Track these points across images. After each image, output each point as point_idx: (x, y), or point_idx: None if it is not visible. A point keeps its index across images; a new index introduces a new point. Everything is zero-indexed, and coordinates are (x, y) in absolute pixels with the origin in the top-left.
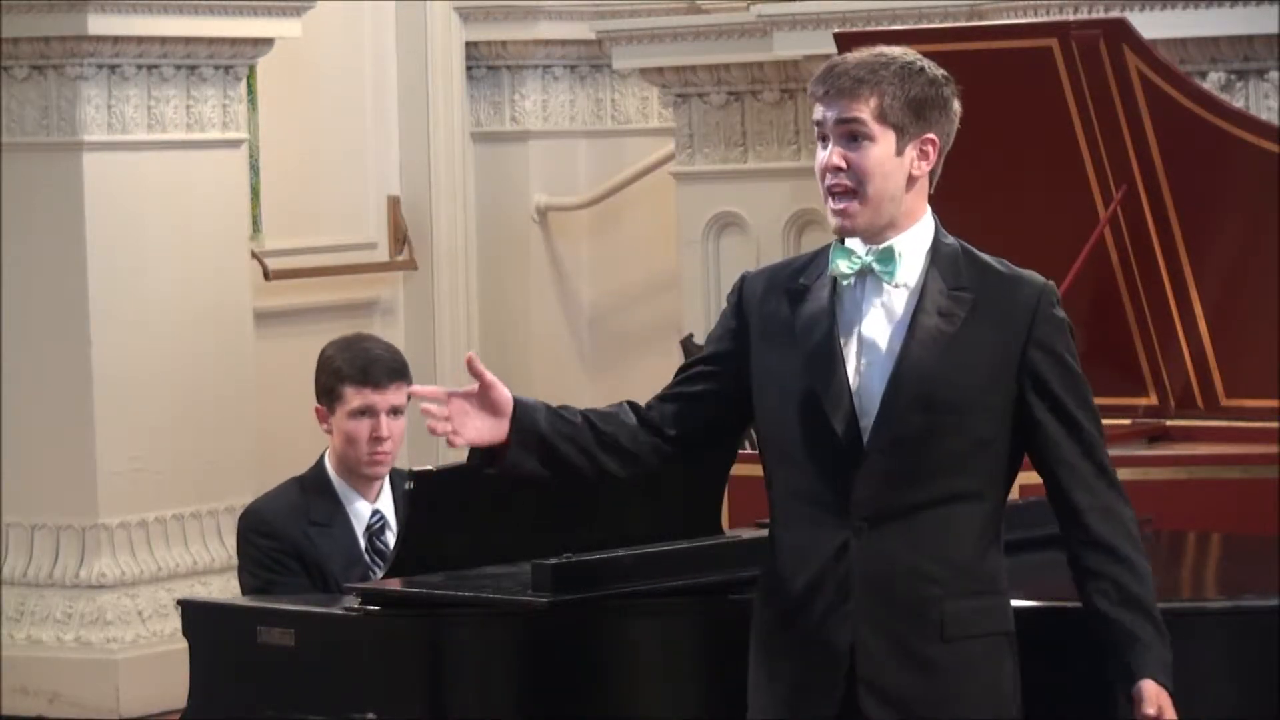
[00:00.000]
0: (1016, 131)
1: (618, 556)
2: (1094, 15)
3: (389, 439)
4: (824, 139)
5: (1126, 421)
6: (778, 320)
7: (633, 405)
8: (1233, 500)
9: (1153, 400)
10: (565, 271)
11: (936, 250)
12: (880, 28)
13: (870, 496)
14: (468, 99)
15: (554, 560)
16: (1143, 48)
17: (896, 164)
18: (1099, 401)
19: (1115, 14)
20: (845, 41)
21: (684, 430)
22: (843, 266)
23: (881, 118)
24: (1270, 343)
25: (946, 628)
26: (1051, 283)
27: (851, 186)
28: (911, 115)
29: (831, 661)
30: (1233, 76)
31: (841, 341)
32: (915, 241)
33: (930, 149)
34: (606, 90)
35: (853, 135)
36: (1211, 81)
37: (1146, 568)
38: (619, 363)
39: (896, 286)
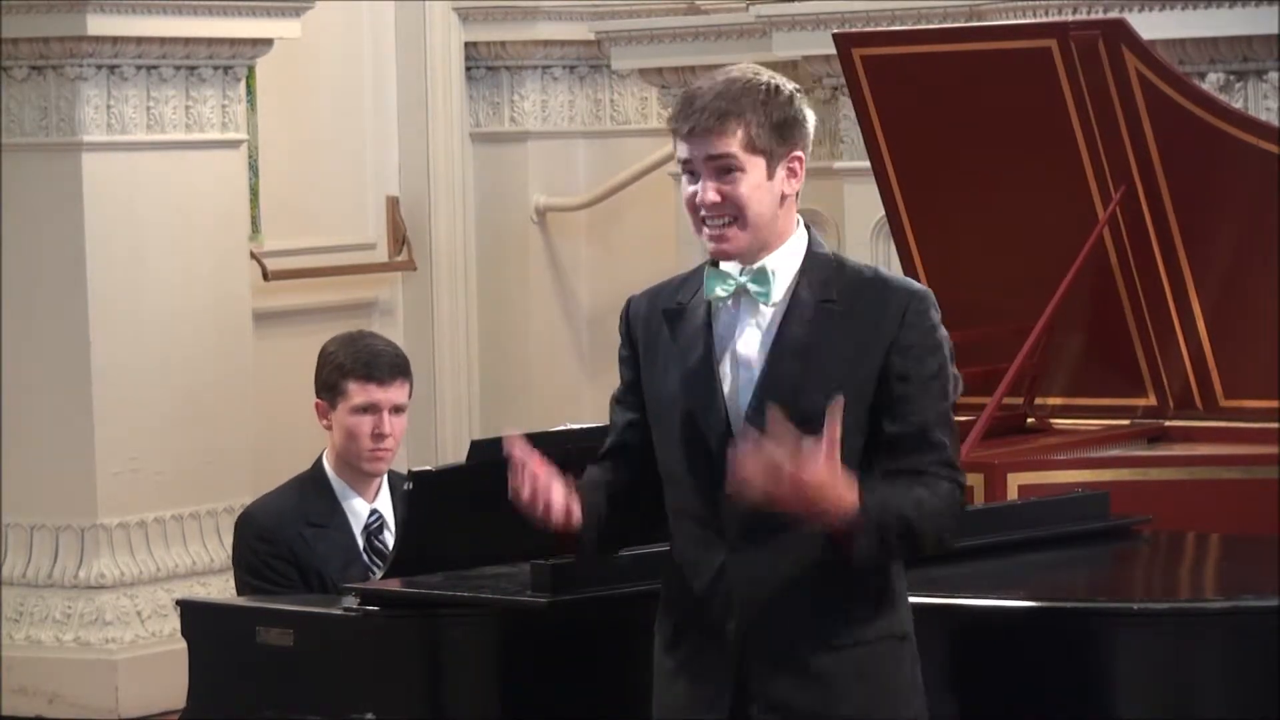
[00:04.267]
0: (1015, 132)
1: (618, 556)
2: (1093, 16)
3: (390, 435)
4: (692, 174)
5: (1126, 422)
6: (659, 341)
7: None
8: (1232, 500)
9: (1152, 401)
10: (564, 272)
11: (809, 263)
12: (880, 28)
13: (742, 514)
14: (467, 99)
15: (553, 560)
16: (1142, 48)
17: (769, 188)
18: (1099, 402)
19: (1114, 14)
20: (844, 41)
21: (649, 472)
22: (718, 290)
23: (750, 147)
24: (1270, 343)
25: (834, 637)
26: (927, 291)
27: (730, 216)
28: (778, 138)
29: (719, 677)
30: (1232, 77)
31: (718, 361)
32: (787, 258)
33: (798, 165)
34: (605, 91)
35: (725, 168)
36: (1210, 82)
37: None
38: (618, 363)
39: (771, 306)
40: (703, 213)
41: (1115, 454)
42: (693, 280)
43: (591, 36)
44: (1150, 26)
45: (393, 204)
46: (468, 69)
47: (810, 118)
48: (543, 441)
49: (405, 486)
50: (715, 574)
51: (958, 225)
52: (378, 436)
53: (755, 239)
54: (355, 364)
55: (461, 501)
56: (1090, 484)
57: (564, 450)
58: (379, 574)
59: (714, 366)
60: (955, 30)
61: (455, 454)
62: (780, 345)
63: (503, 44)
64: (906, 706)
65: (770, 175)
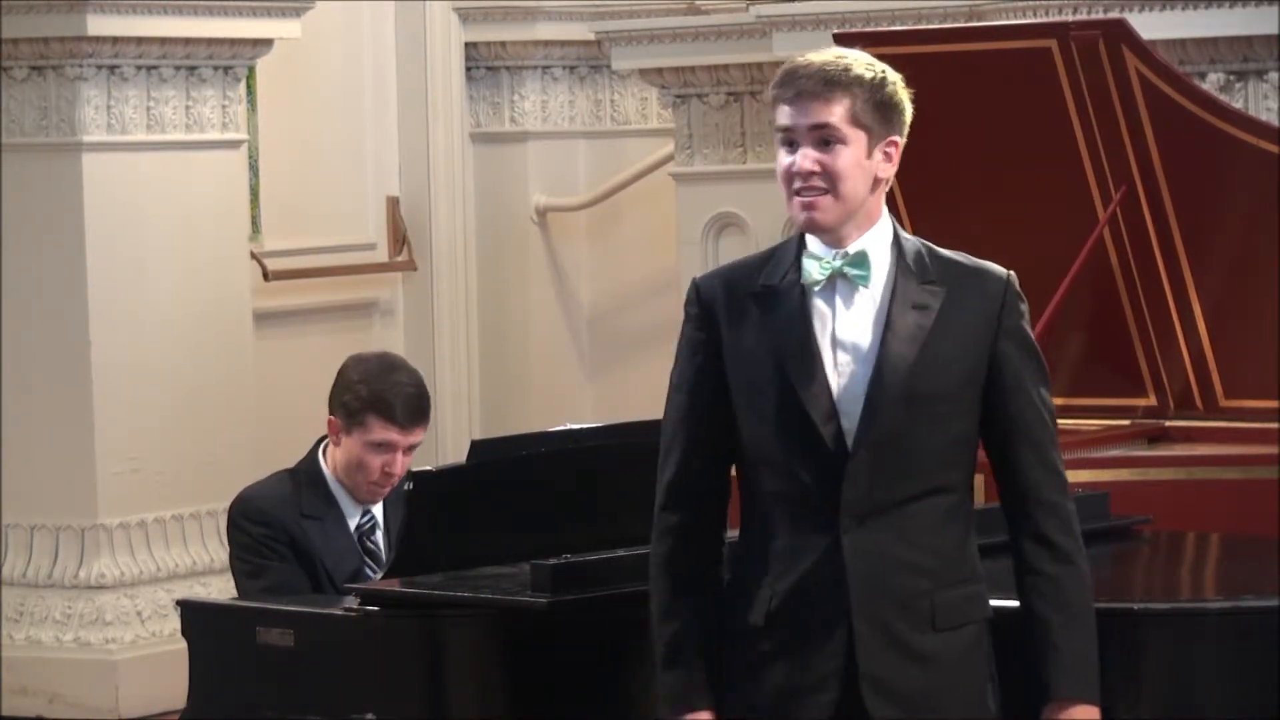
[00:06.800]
0: (1016, 132)
1: (618, 556)
2: (1093, 16)
3: (398, 475)
4: (790, 144)
5: (1126, 422)
6: (747, 324)
7: (696, 527)
8: (1232, 500)
9: (1152, 401)
10: (565, 272)
11: (900, 247)
12: (880, 28)
13: (859, 495)
14: (467, 99)
15: (554, 560)
16: (1142, 48)
17: (866, 167)
18: (1099, 402)
19: (1115, 14)
20: (845, 42)
21: (723, 490)
22: (814, 272)
23: (853, 120)
24: (1270, 343)
25: (938, 618)
26: (1013, 272)
27: (825, 188)
28: (879, 118)
29: (827, 661)
30: (1232, 77)
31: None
32: (879, 241)
33: (894, 151)
34: (606, 91)
35: (825, 139)
36: (1211, 82)
37: (1087, 569)
38: (618, 363)
39: (867, 289)
40: (796, 183)
41: (1115, 454)
42: (773, 262)
43: (591, 36)
44: (1150, 26)
45: (393, 204)
46: (468, 69)
47: (909, 110)
48: (544, 441)
49: (405, 486)
50: (824, 554)
51: (958, 225)
52: (386, 474)
53: (845, 214)
54: (381, 402)
55: (461, 501)
56: (1090, 484)
57: (566, 450)
58: (371, 575)
59: (817, 350)
60: (955, 30)
61: (455, 454)
62: (893, 329)
63: (503, 44)
64: (993, 690)
65: (869, 154)
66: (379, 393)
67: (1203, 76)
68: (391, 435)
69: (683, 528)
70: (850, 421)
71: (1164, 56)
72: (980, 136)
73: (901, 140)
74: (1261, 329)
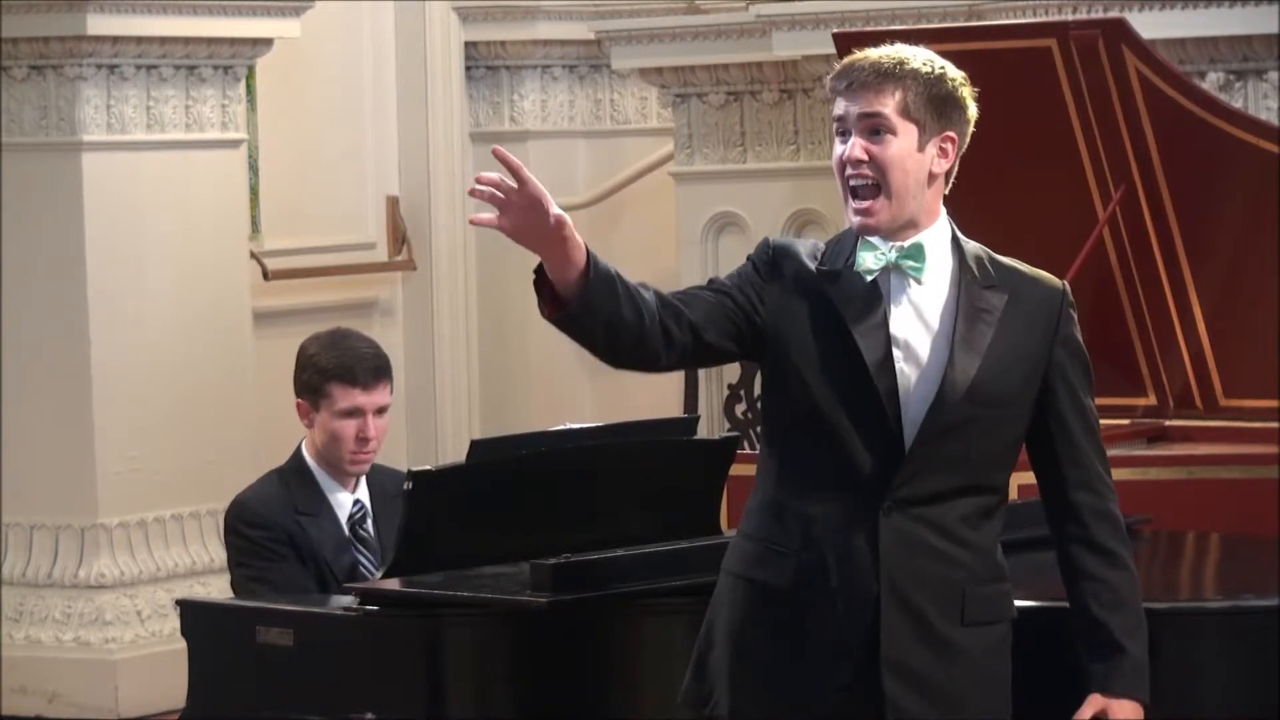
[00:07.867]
0: (1015, 131)
1: (617, 556)
2: (1093, 15)
3: (374, 438)
4: (844, 134)
5: (1126, 421)
6: (816, 301)
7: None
8: (1232, 500)
9: (1152, 400)
10: None
11: (960, 249)
12: (880, 28)
13: (906, 482)
14: (467, 99)
15: (553, 560)
16: (1141, 48)
17: (918, 160)
18: (1099, 401)
19: (1114, 14)
20: (844, 41)
21: (698, 323)
22: (869, 261)
23: (904, 113)
24: (1269, 343)
25: (967, 612)
26: (1066, 282)
27: (874, 179)
28: (933, 112)
29: (848, 638)
30: (1232, 76)
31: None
32: (937, 239)
33: (950, 147)
34: (605, 90)
35: (875, 129)
36: (1210, 81)
37: (1137, 575)
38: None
39: (921, 284)
40: (849, 172)
41: (1115, 454)
42: (837, 249)
43: (591, 36)
44: (1150, 26)
45: (393, 204)
46: (468, 69)
47: (972, 107)
48: (544, 441)
49: (405, 486)
50: (859, 533)
51: (957, 224)
52: (361, 440)
53: (900, 210)
54: (338, 368)
55: (461, 501)
56: None
57: (566, 450)
58: (366, 562)
59: (889, 341)
60: (955, 30)
61: (455, 453)
62: (961, 329)
63: (503, 44)
64: (1009, 694)
65: (920, 148)
66: (335, 358)
67: (1203, 76)
68: (356, 398)
69: (668, 304)
70: (911, 413)
71: (1164, 56)
72: (979, 136)
73: (959, 138)
74: (1261, 329)
